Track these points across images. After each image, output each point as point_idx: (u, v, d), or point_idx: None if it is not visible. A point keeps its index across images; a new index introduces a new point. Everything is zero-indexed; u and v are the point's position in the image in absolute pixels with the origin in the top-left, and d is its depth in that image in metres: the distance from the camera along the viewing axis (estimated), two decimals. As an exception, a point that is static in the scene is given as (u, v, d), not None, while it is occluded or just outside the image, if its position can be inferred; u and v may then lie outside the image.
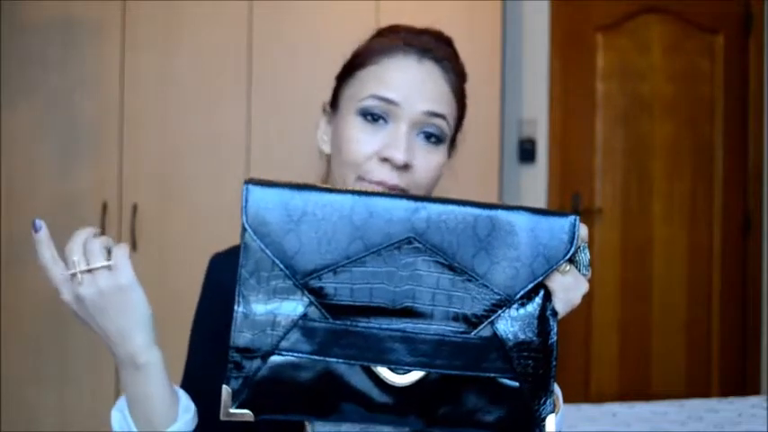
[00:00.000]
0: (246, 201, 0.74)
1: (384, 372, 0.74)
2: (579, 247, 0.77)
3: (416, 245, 0.75)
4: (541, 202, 3.20)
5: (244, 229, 0.74)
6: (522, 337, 0.76)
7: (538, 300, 0.77)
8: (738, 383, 3.26)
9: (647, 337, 3.25)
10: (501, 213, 0.78)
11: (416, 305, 0.74)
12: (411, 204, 0.76)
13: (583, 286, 0.78)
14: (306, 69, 2.69)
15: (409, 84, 0.90)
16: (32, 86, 2.68)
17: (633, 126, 3.27)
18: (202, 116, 2.70)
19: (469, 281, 0.75)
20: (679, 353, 3.26)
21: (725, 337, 3.29)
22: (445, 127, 0.91)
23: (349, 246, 0.74)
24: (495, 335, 0.75)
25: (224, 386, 0.73)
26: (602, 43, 3.25)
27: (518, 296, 0.76)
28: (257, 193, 0.74)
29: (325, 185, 0.76)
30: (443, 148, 0.93)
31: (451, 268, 0.75)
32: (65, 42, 2.68)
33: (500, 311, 0.75)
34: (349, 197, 0.75)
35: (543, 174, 3.21)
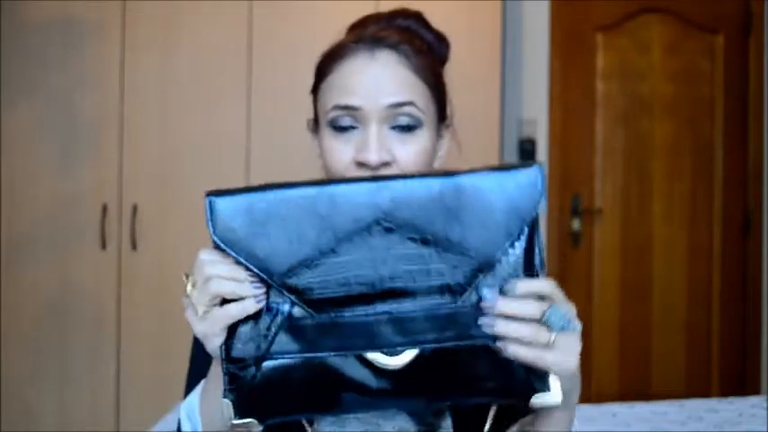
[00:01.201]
0: (212, 213, 0.74)
1: (377, 356, 0.73)
2: (549, 307, 0.73)
3: (386, 225, 0.74)
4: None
5: (214, 243, 0.74)
6: None
7: (518, 255, 0.75)
8: (738, 383, 3.26)
9: (647, 337, 3.25)
10: (465, 179, 0.76)
11: (397, 285, 0.74)
12: (372, 186, 0.75)
13: (574, 348, 0.73)
14: (306, 69, 2.67)
15: (366, 82, 0.88)
16: (32, 86, 2.68)
17: (633, 126, 3.27)
18: (202, 116, 2.70)
19: (446, 251, 0.74)
20: (679, 353, 3.26)
21: (725, 337, 3.29)
22: (416, 112, 0.89)
23: (319, 238, 0.73)
24: (480, 300, 0.74)
25: (222, 399, 0.73)
26: (602, 43, 3.25)
27: (497, 257, 0.74)
28: (220, 204, 0.74)
29: (284, 182, 0.75)
30: (423, 132, 0.90)
31: (425, 242, 0.74)
32: (65, 42, 2.68)
33: (481, 276, 0.74)
34: (310, 189, 0.74)
35: (543, 174, 3.20)
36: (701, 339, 3.28)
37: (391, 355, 0.73)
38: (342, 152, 0.89)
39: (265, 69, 2.72)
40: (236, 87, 2.72)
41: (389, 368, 0.73)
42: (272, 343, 0.74)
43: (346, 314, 0.74)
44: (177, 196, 2.70)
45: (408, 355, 0.73)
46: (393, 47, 0.90)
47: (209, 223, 0.74)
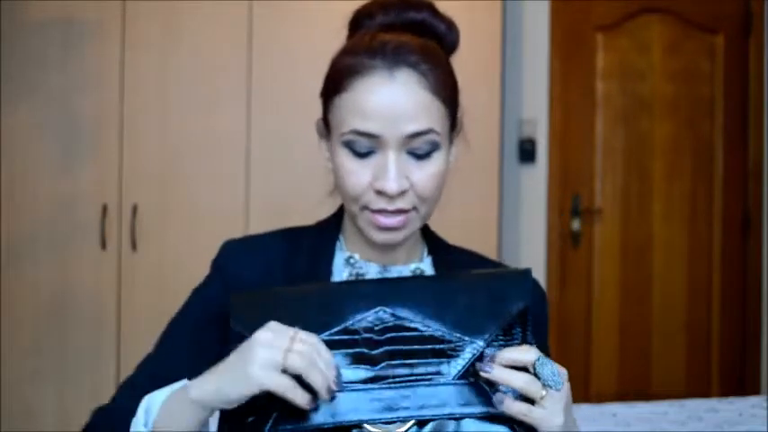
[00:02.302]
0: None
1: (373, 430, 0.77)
2: (537, 361, 0.79)
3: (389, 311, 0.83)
4: (541, 202, 3.20)
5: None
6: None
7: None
8: (738, 383, 3.26)
9: (647, 337, 3.25)
10: (462, 282, 0.86)
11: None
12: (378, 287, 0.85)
13: (559, 406, 0.79)
14: (306, 69, 2.68)
15: (385, 107, 0.85)
16: (32, 86, 2.68)
17: (633, 126, 3.27)
18: (202, 116, 2.70)
19: (442, 334, 0.81)
20: (679, 353, 3.26)
21: (725, 337, 3.29)
22: (435, 137, 0.88)
23: (321, 318, 0.81)
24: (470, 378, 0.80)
25: None
26: (602, 43, 3.25)
27: (486, 344, 0.80)
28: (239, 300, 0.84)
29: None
30: (439, 154, 0.89)
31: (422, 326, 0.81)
32: (65, 42, 2.68)
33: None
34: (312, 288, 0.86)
35: (543, 174, 3.21)
36: (701, 339, 3.28)
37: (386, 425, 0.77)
38: (359, 175, 0.88)
39: (265, 69, 2.72)
40: (236, 87, 2.72)
41: None
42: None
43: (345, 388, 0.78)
44: (177, 196, 2.70)
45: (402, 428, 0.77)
46: (412, 66, 0.86)
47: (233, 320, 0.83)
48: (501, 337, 0.81)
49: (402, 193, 0.87)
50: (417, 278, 0.93)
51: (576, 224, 3.23)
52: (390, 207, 0.87)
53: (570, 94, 3.23)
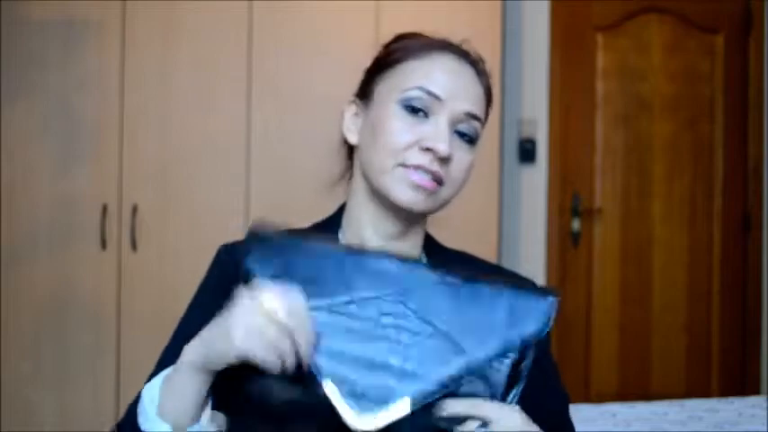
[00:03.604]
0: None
1: (349, 417, 0.76)
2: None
3: (400, 299, 0.80)
4: (541, 202, 3.20)
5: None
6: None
7: (505, 371, 0.79)
8: (738, 383, 3.26)
9: (647, 337, 3.25)
10: (486, 288, 0.81)
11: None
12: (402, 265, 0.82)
13: None
14: (306, 69, 2.69)
15: (452, 82, 0.93)
16: (32, 86, 2.68)
17: (633, 126, 3.27)
18: (202, 116, 2.70)
19: (446, 341, 0.78)
20: (679, 353, 3.26)
21: (725, 337, 3.29)
22: (479, 128, 0.95)
23: (334, 289, 0.80)
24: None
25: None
26: (602, 43, 3.25)
27: (487, 364, 0.78)
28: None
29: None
30: (475, 148, 0.96)
31: (430, 327, 0.79)
32: (65, 42, 2.68)
33: (472, 377, 0.78)
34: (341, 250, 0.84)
35: (543, 174, 3.21)
36: (701, 339, 3.28)
37: (363, 415, 0.75)
38: (408, 133, 0.91)
39: (265, 69, 2.72)
40: (236, 87, 2.71)
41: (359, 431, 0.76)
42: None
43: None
44: (177, 196, 2.70)
45: (382, 420, 0.75)
46: (474, 64, 0.97)
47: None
48: (497, 358, 0.79)
49: (444, 161, 0.91)
50: (438, 270, 0.87)
51: (575, 224, 3.23)
52: (430, 167, 0.90)
53: (570, 94, 3.23)
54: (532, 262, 3.13)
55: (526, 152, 3.18)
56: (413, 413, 0.76)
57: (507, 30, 3.10)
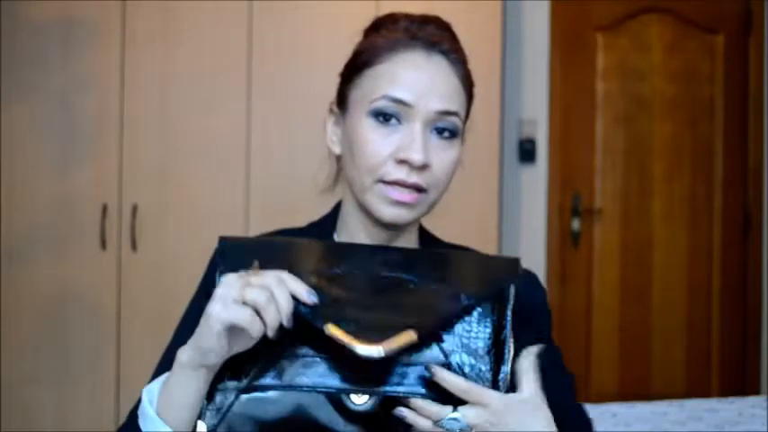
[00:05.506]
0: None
1: (349, 397, 0.77)
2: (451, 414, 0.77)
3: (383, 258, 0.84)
4: (541, 202, 3.20)
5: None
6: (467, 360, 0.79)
7: (480, 329, 0.80)
8: (738, 383, 3.26)
9: (647, 337, 3.25)
10: (454, 255, 0.89)
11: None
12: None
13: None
14: (306, 69, 2.69)
15: (421, 82, 0.89)
16: (32, 86, 2.68)
17: (633, 126, 3.27)
18: (202, 116, 2.70)
19: (422, 299, 0.79)
20: (679, 353, 3.26)
21: (725, 337, 3.29)
22: (458, 122, 0.91)
23: (318, 265, 0.82)
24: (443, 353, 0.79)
25: (199, 421, 0.78)
26: (602, 43, 3.25)
27: (455, 314, 0.79)
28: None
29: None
30: (457, 142, 0.92)
31: (412, 283, 0.81)
32: (65, 42, 2.68)
33: (442, 333, 0.79)
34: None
35: (543, 174, 3.21)
36: (701, 339, 3.28)
37: (372, 344, 0.74)
38: (381, 145, 0.89)
39: (265, 69, 2.72)
40: (236, 87, 2.71)
41: (357, 409, 0.77)
42: (254, 378, 0.78)
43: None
44: (177, 196, 2.70)
45: (395, 343, 0.75)
46: (446, 53, 0.91)
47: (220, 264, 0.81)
48: (478, 312, 0.80)
49: (422, 169, 0.88)
50: (413, 249, 0.93)
51: (575, 224, 3.23)
52: (408, 180, 0.88)
53: (570, 94, 3.23)
54: (532, 262, 3.13)
55: (526, 152, 3.18)
56: (421, 343, 0.76)
57: (507, 30, 3.10)
